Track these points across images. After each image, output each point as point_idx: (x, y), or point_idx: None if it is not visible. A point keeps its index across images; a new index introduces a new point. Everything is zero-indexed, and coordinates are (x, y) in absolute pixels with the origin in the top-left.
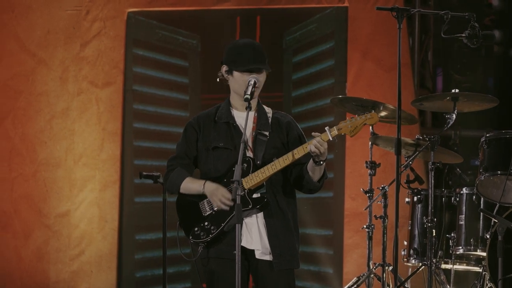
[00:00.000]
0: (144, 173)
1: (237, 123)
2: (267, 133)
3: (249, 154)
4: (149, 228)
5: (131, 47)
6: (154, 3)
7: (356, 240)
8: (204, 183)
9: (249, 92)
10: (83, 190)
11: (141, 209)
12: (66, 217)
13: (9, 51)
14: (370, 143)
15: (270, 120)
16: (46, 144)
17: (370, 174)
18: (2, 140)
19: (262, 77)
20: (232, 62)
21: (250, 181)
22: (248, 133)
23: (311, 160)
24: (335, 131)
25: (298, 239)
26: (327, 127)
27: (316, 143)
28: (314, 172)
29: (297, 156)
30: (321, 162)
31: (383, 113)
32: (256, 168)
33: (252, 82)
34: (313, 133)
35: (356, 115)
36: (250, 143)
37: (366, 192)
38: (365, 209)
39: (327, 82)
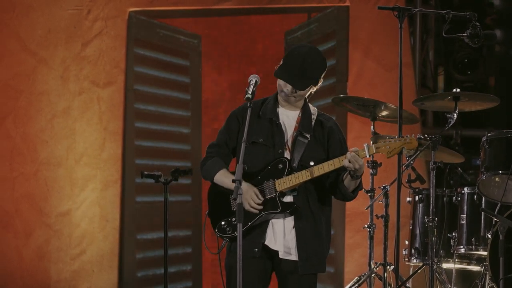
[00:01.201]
0: (145, 173)
1: (280, 120)
2: (308, 136)
3: (287, 154)
4: (150, 228)
5: (132, 46)
6: (155, 3)
7: (357, 240)
8: None
9: (250, 92)
10: (84, 189)
11: (142, 209)
12: (67, 216)
13: (10, 51)
14: (371, 142)
15: (313, 122)
16: (47, 144)
17: (371, 174)
18: (3, 140)
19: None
20: (281, 64)
21: (283, 184)
22: (290, 133)
23: (347, 172)
24: (373, 149)
25: (328, 244)
26: (366, 143)
27: (350, 158)
28: (350, 183)
29: (332, 168)
30: (357, 176)
31: (384, 113)
32: (292, 169)
33: (253, 82)
34: (351, 149)
35: (396, 136)
36: (289, 144)
37: (367, 192)
38: (366, 209)
39: (328, 81)
